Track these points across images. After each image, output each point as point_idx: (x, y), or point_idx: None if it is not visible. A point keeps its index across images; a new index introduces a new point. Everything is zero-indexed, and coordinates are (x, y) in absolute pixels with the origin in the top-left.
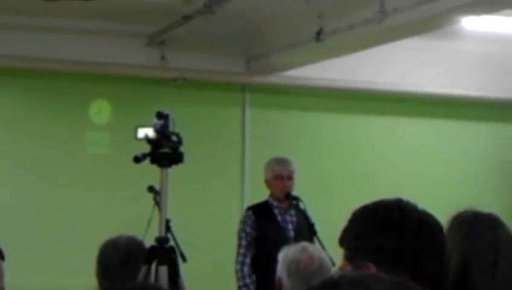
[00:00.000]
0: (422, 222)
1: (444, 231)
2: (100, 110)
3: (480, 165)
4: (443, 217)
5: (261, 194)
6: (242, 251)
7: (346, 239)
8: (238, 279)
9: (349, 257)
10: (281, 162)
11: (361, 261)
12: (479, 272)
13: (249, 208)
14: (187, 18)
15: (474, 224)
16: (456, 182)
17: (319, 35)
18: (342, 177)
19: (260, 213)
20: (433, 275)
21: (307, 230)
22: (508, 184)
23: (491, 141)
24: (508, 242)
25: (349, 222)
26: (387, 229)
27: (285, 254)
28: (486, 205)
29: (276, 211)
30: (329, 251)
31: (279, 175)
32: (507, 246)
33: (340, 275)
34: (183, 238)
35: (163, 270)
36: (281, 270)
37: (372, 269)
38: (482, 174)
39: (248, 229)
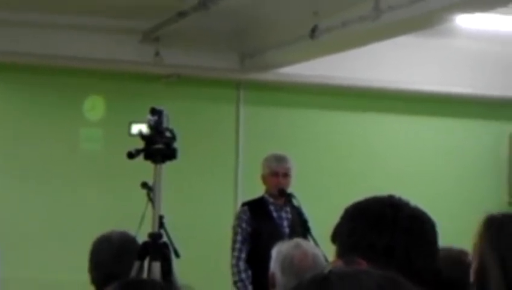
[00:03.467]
0: (414, 218)
1: (485, 233)
2: (94, 107)
3: (475, 162)
4: (438, 214)
5: (254, 190)
6: (237, 246)
7: (339, 236)
8: (233, 274)
9: (341, 254)
10: (278, 159)
11: (353, 258)
12: None
13: (245, 204)
14: (181, 15)
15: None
16: (451, 179)
17: (313, 32)
18: (336, 174)
19: (256, 209)
20: (425, 272)
21: (300, 227)
22: (502, 181)
23: (486, 138)
24: None
25: (341, 219)
26: (379, 226)
27: (278, 250)
28: (481, 201)
29: (271, 208)
30: (323, 247)
31: (275, 172)
32: None
33: (330, 270)
34: (176, 234)
35: (156, 266)
36: (274, 266)
37: (363, 265)
38: (477, 171)
39: (243, 225)
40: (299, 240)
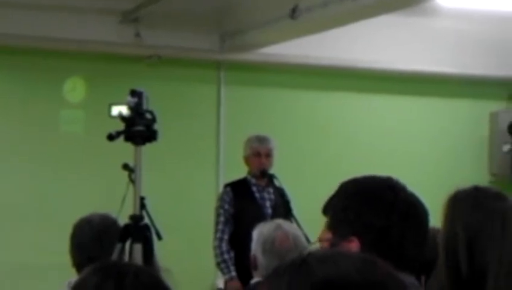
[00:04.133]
0: (411, 204)
1: (444, 210)
2: (74, 88)
3: (456, 141)
4: (418, 193)
5: (236, 171)
6: (220, 227)
7: (332, 209)
8: (216, 255)
9: (333, 227)
10: (260, 139)
11: (345, 234)
12: (486, 244)
13: (227, 185)
14: None
15: (477, 197)
16: (432, 160)
17: (294, 12)
18: (317, 154)
19: (238, 190)
20: (414, 258)
21: (283, 208)
22: (483, 160)
23: (467, 117)
24: None
25: (337, 193)
26: (377, 207)
27: (259, 232)
28: (462, 180)
29: (254, 189)
30: (304, 228)
31: (257, 152)
32: None
33: (308, 253)
34: (158, 216)
35: (138, 248)
36: (255, 248)
37: (355, 243)
38: (458, 151)
39: (226, 206)
40: (279, 221)
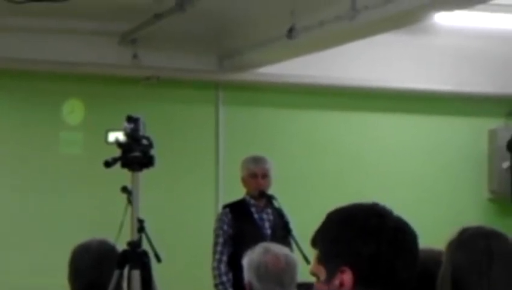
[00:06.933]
0: (398, 229)
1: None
2: (73, 110)
3: (455, 159)
4: (418, 211)
5: (235, 192)
6: (219, 248)
7: (321, 242)
8: (214, 277)
9: (324, 260)
10: (256, 160)
11: (337, 265)
12: (472, 284)
13: (226, 206)
14: (159, 16)
15: (462, 237)
16: (432, 176)
17: (290, 32)
18: (316, 173)
19: (237, 211)
20: (407, 282)
21: (282, 229)
22: (482, 178)
23: (465, 134)
24: (503, 252)
25: (323, 224)
26: (364, 236)
27: (250, 259)
28: (461, 198)
29: (253, 209)
30: (304, 248)
31: (254, 173)
32: (501, 256)
33: None
34: (157, 238)
35: (136, 274)
36: (249, 275)
37: (347, 272)
38: (457, 168)
39: (225, 227)
40: (266, 245)
